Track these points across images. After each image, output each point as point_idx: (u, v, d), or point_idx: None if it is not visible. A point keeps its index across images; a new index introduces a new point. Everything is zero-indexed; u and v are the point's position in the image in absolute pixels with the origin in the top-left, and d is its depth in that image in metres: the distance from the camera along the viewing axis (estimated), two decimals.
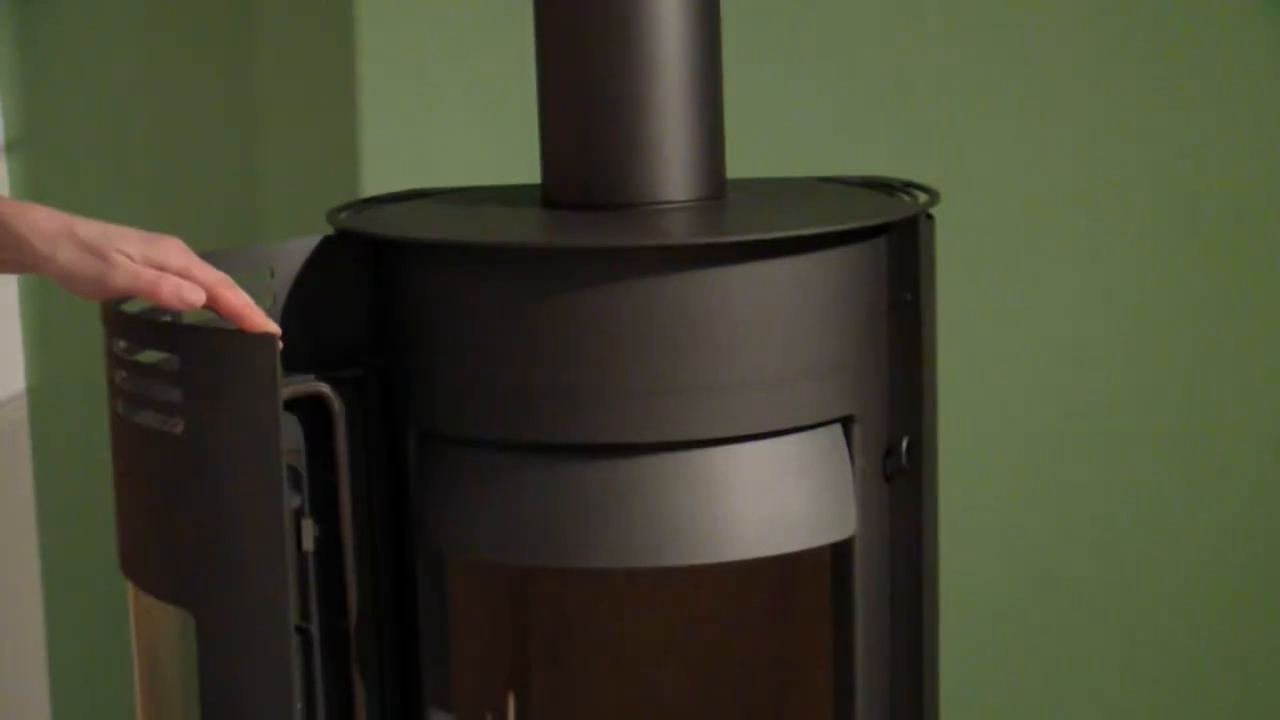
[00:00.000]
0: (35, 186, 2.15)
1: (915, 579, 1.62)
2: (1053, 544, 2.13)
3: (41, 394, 2.17)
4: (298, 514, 1.53)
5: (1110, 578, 2.13)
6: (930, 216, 1.60)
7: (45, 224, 1.42)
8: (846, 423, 1.56)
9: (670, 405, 1.49)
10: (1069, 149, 2.05)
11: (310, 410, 1.54)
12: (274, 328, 1.41)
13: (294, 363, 1.55)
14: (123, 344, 1.47)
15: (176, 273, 1.42)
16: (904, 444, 1.59)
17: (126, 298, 1.44)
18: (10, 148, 2.15)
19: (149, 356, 1.45)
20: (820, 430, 1.55)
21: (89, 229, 1.42)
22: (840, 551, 1.58)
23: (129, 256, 1.41)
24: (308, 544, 1.54)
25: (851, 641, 1.59)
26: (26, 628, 2.16)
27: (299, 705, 1.50)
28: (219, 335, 1.40)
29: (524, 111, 1.71)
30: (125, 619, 1.63)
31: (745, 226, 1.54)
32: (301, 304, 1.58)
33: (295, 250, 1.58)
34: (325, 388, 1.53)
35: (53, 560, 2.19)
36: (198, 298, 1.41)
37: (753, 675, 1.93)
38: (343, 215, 1.65)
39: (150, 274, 1.41)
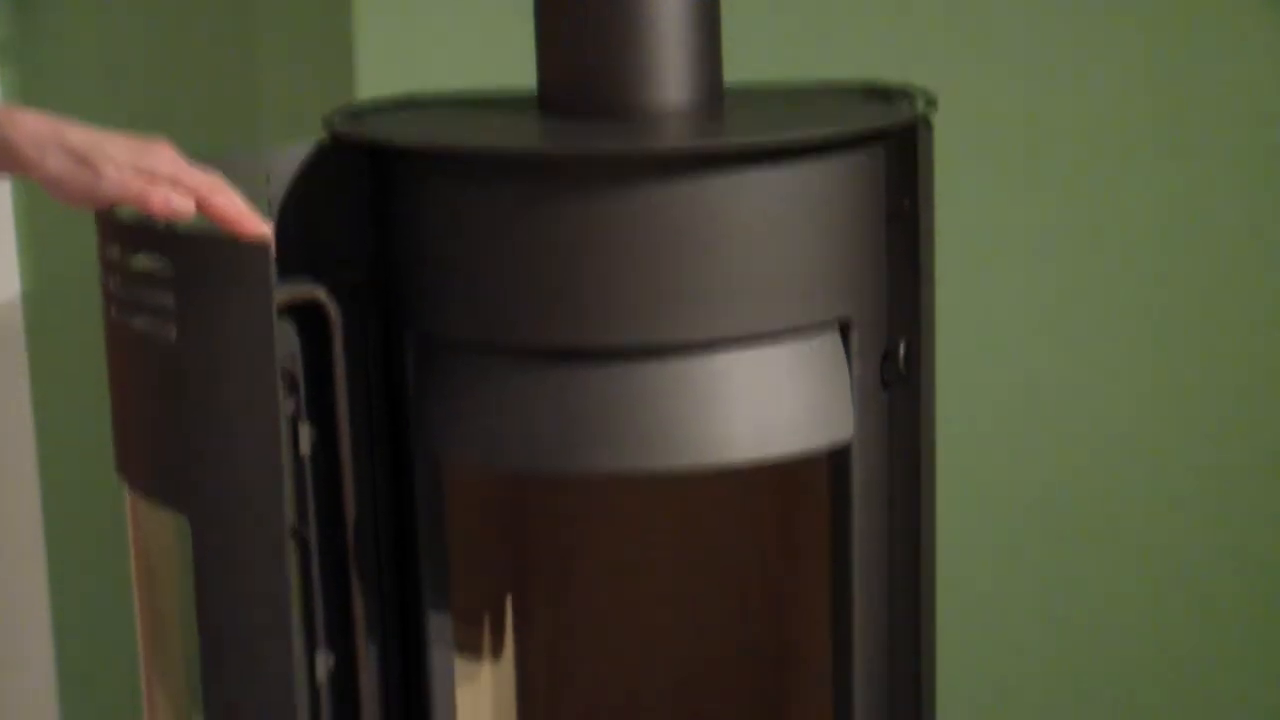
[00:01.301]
0: (28, 93, 2.14)
1: (913, 484, 1.63)
2: (1051, 450, 2.13)
3: (37, 298, 2.17)
4: (294, 419, 1.54)
5: (1111, 479, 2.13)
6: (928, 123, 1.60)
7: (33, 129, 1.41)
8: (843, 327, 1.56)
9: (667, 309, 1.49)
10: (1069, 58, 2.04)
11: (307, 316, 1.54)
12: (267, 230, 1.41)
13: (290, 268, 1.55)
14: (116, 249, 1.46)
15: (166, 180, 1.41)
16: (901, 349, 1.60)
17: (116, 206, 1.43)
18: (2, 54, 2.13)
19: (143, 262, 1.44)
20: (817, 335, 1.55)
21: (77, 136, 1.41)
22: (838, 456, 1.59)
23: (117, 165, 1.40)
24: (305, 449, 1.54)
25: (849, 546, 1.59)
26: (24, 531, 2.16)
27: (294, 608, 1.51)
28: (211, 241, 1.40)
29: (521, 16, 1.70)
30: (123, 521, 1.64)
31: (743, 132, 1.54)
32: (298, 210, 1.57)
33: (291, 156, 1.57)
34: (321, 293, 1.53)
35: (50, 464, 2.19)
36: (187, 206, 1.40)
37: (752, 584, 1.94)
38: (338, 120, 1.64)
39: (139, 183, 1.40)
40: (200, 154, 1.48)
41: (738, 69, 1.75)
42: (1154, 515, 2.14)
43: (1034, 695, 2.17)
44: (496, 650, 1.91)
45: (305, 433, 1.54)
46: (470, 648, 1.87)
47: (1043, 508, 2.14)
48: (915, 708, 1.66)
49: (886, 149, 1.58)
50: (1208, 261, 2.08)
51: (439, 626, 1.61)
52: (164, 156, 1.42)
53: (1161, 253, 2.08)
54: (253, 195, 1.50)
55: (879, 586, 1.63)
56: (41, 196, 2.15)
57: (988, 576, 2.15)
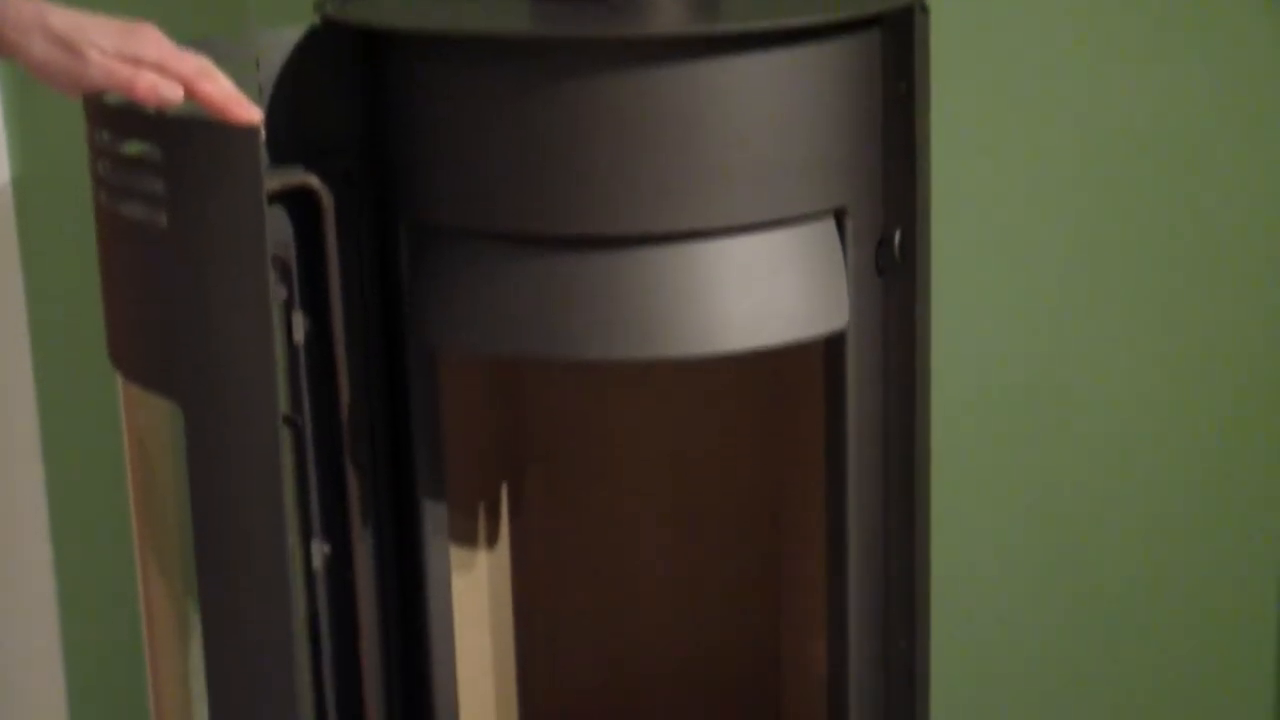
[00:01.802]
0: None
1: (908, 372, 1.62)
2: (1047, 338, 2.12)
3: (27, 183, 2.16)
4: (287, 307, 1.53)
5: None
6: (925, 9, 1.58)
7: (16, 12, 1.39)
8: (839, 215, 1.55)
9: (661, 196, 1.48)
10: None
11: (300, 203, 1.53)
12: (257, 115, 1.39)
13: (282, 155, 1.54)
14: (105, 134, 1.45)
15: (153, 65, 1.39)
16: (897, 237, 1.59)
17: (102, 92, 1.42)
18: None
19: (133, 148, 1.43)
20: (812, 223, 1.54)
21: (61, 20, 1.39)
22: (833, 344, 1.58)
23: (102, 51, 1.39)
24: (298, 337, 1.54)
25: (844, 434, 1.59)
26: (19, 419, 2.16)
27: (289, 496, 1.51)
28: (200, 126, 1.38)
29: None
30: (117, 409, 1.64)
31: (738, 17, 1.52)
32: (289, 96, 1.56)
33: (282, 40, 1.55)
34: (313, 180, 1.52)
35: (44, 351, 2.19)
36: (175, 94, 1.39)
37: (746, 475, 1.94)
38: (329, 5, 1.62)
39: (125, 70, 1.38)
40: (188, 38, 1.46)
41: None
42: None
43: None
44: (492, 539, 1.92)
45: (298, 320, 1.54)
46: (466, 536, 1.87)
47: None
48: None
49: (883, 34, 1.56)
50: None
51: (434, 515, 1.61)
52: (150, 40, 1.40)
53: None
54: (242, 80, 1.49)
55: (874, 467, 1.63)
56: (31, 79, 2.13)
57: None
